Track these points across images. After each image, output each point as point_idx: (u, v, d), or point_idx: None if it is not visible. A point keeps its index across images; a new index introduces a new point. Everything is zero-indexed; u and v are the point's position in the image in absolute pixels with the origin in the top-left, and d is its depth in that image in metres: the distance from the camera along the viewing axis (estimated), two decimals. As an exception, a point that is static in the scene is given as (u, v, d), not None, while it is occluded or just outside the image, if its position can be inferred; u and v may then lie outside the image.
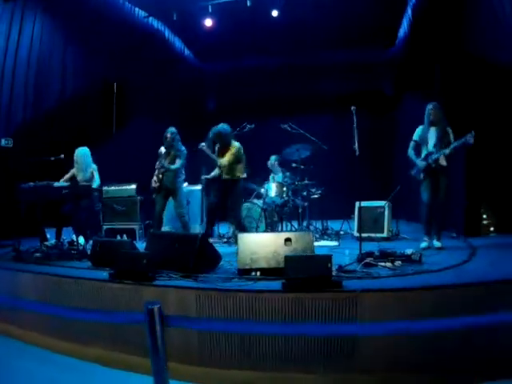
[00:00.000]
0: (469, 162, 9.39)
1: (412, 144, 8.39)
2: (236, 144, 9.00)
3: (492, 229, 9.79)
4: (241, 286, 5.35)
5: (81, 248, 8.24)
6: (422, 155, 8.19)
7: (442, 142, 7.98)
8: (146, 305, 3.34)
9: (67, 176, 9.52)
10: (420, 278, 5.58)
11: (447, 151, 7.82)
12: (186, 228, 9.44)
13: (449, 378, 4.58)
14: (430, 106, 8.15)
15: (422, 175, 8.17)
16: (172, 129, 9.27)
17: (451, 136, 7.98)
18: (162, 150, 9.24)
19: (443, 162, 7.94)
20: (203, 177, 10.50)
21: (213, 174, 9.91)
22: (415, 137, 8.37)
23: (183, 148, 9.32)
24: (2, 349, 6.13)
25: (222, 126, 8.91)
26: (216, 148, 9.12)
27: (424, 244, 8.10)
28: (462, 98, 9.83)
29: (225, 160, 8.80)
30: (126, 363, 5.34)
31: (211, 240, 8.39)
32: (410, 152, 8.40)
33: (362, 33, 14.75)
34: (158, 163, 9.22)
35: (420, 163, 8.17)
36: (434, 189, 8.08)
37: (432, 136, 8.15)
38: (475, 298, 4.82)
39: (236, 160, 8.88)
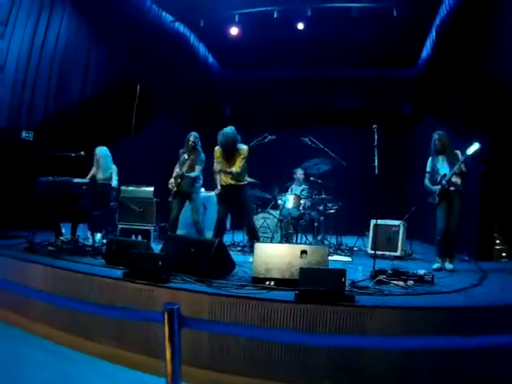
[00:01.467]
0: (483, 187, 9.40)
1: (427, 176, 8.49)
2: (245, 147, 8.81)
3: (504, 254, 9.77)
4: (254, 294, 5.39)
5: (96, 245, 8.28)
6: (438, 180, 8.24)
7: (453, 165, 8.04)
8: (165, 305, 3.35)
9: (89, 175, 9.57)
10: (431, 298, 5.60)
11: (457, 167, 7.91)
12: (200, 234, 9.41)
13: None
14: (435, 136, 8.27)
15: (437, 199, 8.23)
16: (195, 133, 9.28)
17: (460, 157, 8.04)
18: (185, 155, 9.17)
19: (458, 181, 8.05)
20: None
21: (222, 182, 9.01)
22: (428, 168, 8.48)
23: (203, 154, 9.34)
24: (4, 338, 6.17)
25: (232, 129, 8.63)
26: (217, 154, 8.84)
27: (436, 265, 8.13)
28: (478, 123, 9.84)
29: (237, 166, 8.58)
30: (130, 361, 5.37)
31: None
32: (426, 183, 8.50)
33: (384, 51, 14.76)
34: (177, 166, 9.22)
35: (435, 188, 8.25)
36: (448, 212, 8.15)
37: (442, 164, 8.25)
38: (483, 321, 4.85)
39: (245, 164, 8.75)
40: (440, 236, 8.25)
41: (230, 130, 8.61)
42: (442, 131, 8.28)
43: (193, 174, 9.14)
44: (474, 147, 7.67)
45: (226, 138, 8.54)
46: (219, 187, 8.75)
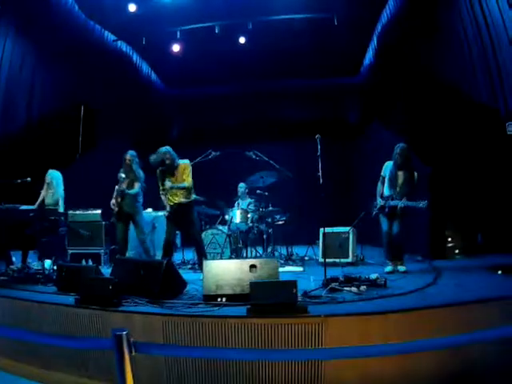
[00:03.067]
0: (431, 187, 9.58)
1: (381, 179, 8.63)
2: (186, 161, 8.75)
3: (457, 251, 9.95)
4: (206, 311, 5.39)
5: (46, 272, 8.18)
6: (386, 193, 8.45)
7: (406, 187, 8.26)
8: (114, 331, 3.35)
9: (38, 200, 9.47)
10: (385, 301, 5.69)
11: (401, 205, 8.07)
12: (148, 254, 9.40)
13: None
14: (397, 150, 8.34)
15: (374, 213, 8.56)
16: (132, 152, 9.24)
17: (415, 179, 8.29)
18: (122, 174, 9.10)
19: (398, 210, 8.19)
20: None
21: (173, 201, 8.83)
22: (383, 172, 8.60)
23: (141, 172, 9.29)
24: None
25: (166, 147, 8.58)
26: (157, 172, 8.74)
27: (388, 268, 8.29)
28: (424, 125, 10.07)
29: (188, 180, 8.50)
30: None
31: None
32: (379, 186, 8.65)
33: (327, 60, 14.92)
34: (117, 187, 9.12)
35: (379, 201, 8.49)
36: (389, 219, 8.36)
37: (398, 179, 8.39)
38: (439, 320, 4.93)
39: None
40: (386, 239, 8.43)
41: (163, 148, 8.58)
42: (404, 144, 8.40)
43: (132, 191, 9.08)
44: (423, 204, 7.81)
45: (158, 156, 8.49)
46: (168, 208, 8.67)
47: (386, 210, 8.27)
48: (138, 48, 15.53)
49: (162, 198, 8.79)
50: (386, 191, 8.40)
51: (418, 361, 4.61)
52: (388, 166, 8.55)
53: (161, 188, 8.73)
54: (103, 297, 5.71)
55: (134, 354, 3.31)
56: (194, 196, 8.91)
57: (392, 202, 8.18)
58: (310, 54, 14.53)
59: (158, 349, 4.11)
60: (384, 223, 8.45)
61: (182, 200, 8.59)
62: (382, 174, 8.59)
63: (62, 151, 12.30)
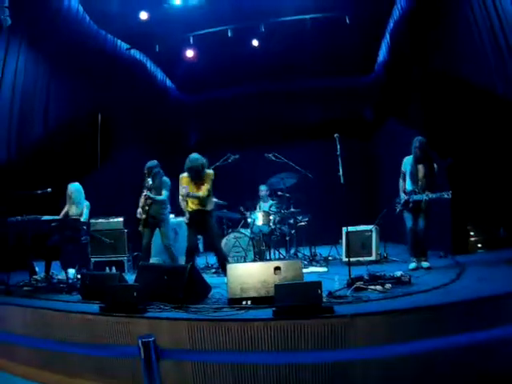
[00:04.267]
0: (451, 180, 9.46)
1: (401, 175, 8.54)
2: (211, 171, 8.79)
3: (480, 245, 9.86)
4: (232, 315, 5.37)
5: (70, 281, 8.20)
6: (408, 188, 8.33)
7: (427, 180, 8.14)
8: (140, 338, 3.33)
9: (63, 212, 9.51)
10: (410, 299, 5.62)
11: (426, 198, 7.95)
12: (173, 259, 9.38)
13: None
14: (416, 144, 8.23)
15: (399, 209, 8.42)
16: (153, 162, 9.20)
17: (435, 171, 8.18)
18: (149, 181, 9.07)
19: (422, 204, 8.10)
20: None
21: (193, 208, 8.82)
22: (403, 168, 8.51)
23: (167, 179, 9.28)
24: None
25: (198, 155, 8.59)
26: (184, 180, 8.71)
27: (412, 265, 8.19)
28: (441, 120, 9.98)
29: (204, 190, 8.51)
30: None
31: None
32: (400, 182, 8.56)
33: (341, 59, 14.86)
34: (143, 195, 9.10)
35: (402, 196, 8.40)
36: (414, 215, 8.24)
37: (419, 173, 8.29)
38: (465, 315, 4.87)
39: (211, 189, 8.69)
40: (411, 235, 8.32)
41: (196, 155, 8.57)
42: (422, 137, 8.29)
43: (159, 198, 9.07)
44: (447, 195, 7.73)
45: (193, 163, 8.45)
46: (187, 215, 8.69)
47: (411, 205, 8.17)
48: (151, 55, 15.61)
49: (182, 204, 8.77)
50: (408, 186, 8.29)
51: (445, 358, 4.54)
52: (407, 160, 8.45)
53: (181, 194, 8.72)
54: (128, 304, 5.70)
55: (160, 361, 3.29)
56: (213, 203, 8.89)
57: (416, 197, 8.07)
58: (324, 54, 14.48)
59: (184, 355, 4.09)
60: (408, 219, 8.34)
61: (200, 207, 8.61)
62: (402, 169, 8.49)
63: (81, 161, 12.35)
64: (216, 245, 8.85)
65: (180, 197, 8.74)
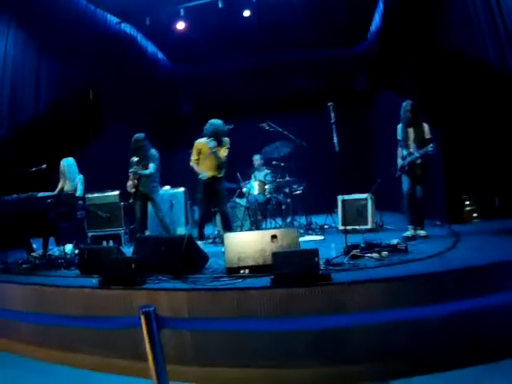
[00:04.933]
0: (445, 150, 9.50)
1: (399, 143, 8.55)
2: (227, 139, 9.03)
3: (475, 215, 9.92)
4: (230, 284, 5.40)
5: (68, 257, 8.22)
6: (403, 153, 8.34)
7: (418, 142, 8.15)
8: (141, 308, 3.36)
9: (57, 189, 9.51)
10: (407, 266, 5.67)
11: (416, 156, 8.06)
12: (168, 231, 9.42)
13: (436, 363, 4.65)
14: (406, 107, 8.26)
15: (398, 173, 8.42)
16: (139, 135, 9.24)
17: (426, 133, 8.18)
18: (134, 158, 9.15)
19: (418, 161, 8.13)
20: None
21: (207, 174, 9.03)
22: (399, 136, 8.53)
23: (155, 151, 9.33)
24: (5, 367, 6.05)
25: (221, 121, 8.98)
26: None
27: (407, 233, 8.21)
28: (434, 90, 9.98)
29: (223, 155, 8.85)
30: (120, 368, 5.35)
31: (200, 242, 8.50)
32: (398, 150, 8.58)
33: (333, 29, 14.84)
34: (130, 170, 9.14)
35: (399, 162, 8.43)
36: (412, 179, 8.25)
37: (410, 136, 8.30)
38: (460, 283, 4.90)
39: None
40: (407, 200, 8.35)
41: (217, 120, 8.94)
42: (411, 101, 8.32)
43: (147, 172, 9.11)
44: (431, 147, 7.75)
45: (217, 127, 8.84)
46: (204, 175, 8.89)
47: (406, 167, 8.20)
48: (142, 29, 15.51)
49: (195, 167, 9.00)
50: (404, 151, 8.32)
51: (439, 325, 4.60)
52: (399, 128, 8.48)
53: (195, 158, 8.99)
54: (126, 276, 5.72)
55: (162, 329, 3.32)
56: (224, 170, 9.08)
57: (408, 158, 8.13)
58: (316, 24, 14.46)
59: (184, 323, 4.13)
60: (405, 183, 8.34)
61: (215, 174, 8.91)
62: (398, 137, 8.50)
63: (74, 137, 12.31)
64: (224, 212, 9.05)
65: (194, 161, 9.01)
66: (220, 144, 8.83)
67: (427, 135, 8.13)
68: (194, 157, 9.00)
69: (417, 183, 8.24)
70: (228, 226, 8.98)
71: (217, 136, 8.80)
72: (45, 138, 11.44)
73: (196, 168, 8.97)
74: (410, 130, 8.26)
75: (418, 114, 8.25)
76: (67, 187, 9.47)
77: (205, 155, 8.92)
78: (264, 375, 4.85)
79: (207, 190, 8.87)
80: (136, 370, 5.05)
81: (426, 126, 8.19)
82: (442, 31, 9.99)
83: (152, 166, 9.17)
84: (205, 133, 8.92)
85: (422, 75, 10.82)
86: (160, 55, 17.72)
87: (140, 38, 16.00)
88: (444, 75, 9.81)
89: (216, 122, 8.91)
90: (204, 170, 8.90)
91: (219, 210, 9.20)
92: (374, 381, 4.66)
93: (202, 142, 8.96)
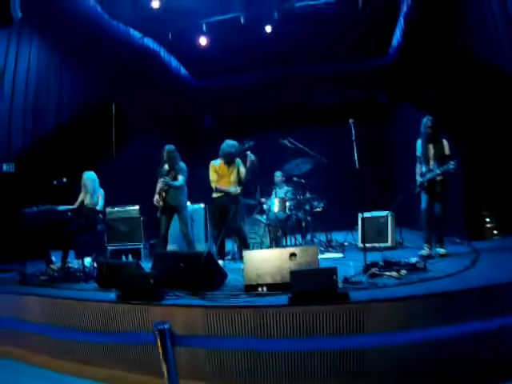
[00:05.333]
0: (466, 166, 9.40)
1: (418, 159, 8.47)
2: (239, 160, 9.13)
3: (496, 232, 9.82)
4: (248, 301, 5.39)
5: (87, 270, 8.24)
6: (423, 170, 8.28)
7: (438, 158, 8.08)
8: (156, 325, 3.35)
9: (78, 201, 9.54)
10: (425, 285, 5.60)
11: (437, 172, 7.98)
12: (191, 246, 9.36)
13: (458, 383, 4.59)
14: (427, 123, 8.19)
15: (417, 190, 8.33)
16: (170, 146, 9.20)
17: (446, 149, 8.10)
18: (166, 167, 9.06)
19: (438, 178, 8.05)
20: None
21: (233, 189, 9.15)
22: (418, 152, 8.44)
23: (184, 165, 9.27)
24: (11, 373, 6.07)
25: (235, 142, 9.10)
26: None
27: (423, 251, 8.13)
28: (455, 103, 9.91)
29: (247, 175, 9.03)
30: (135, 382, 5.35)
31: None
32: (417, 167, 8.50)
33: (355, 43, 14.83)
34: (159, 181, 9.05)
35: (418, 179, 8.35)
36: (430, 196, 8.18)
37: (429, 152, 8.23)
38: (480, 302, 4.83)
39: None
40: (425, 217, 8.27)
41: (232, 141, 9.08)
42: (431, 117, 8.25)
43: (177, 183, 9.04)
44: (452, 164, 7.69)
45: (230, 149, 8.97)
46: (232, 189, 9.01)
47: (425, 184, 8.14)
48: (165, 44, 15.62)
49: (219, 187, 9.11)
50: (423, 168, 8.26)
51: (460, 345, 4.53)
52: (419, 143, 8.42)
53: (214, 180, 9.09)
54: (145, 291, 5.72)
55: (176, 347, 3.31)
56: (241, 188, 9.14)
57: (428, 175, 8.07)
58: (337, 39, 14.45)
59: (198, 341, 4.11)
60: (424, 200, 8.28)
61: (235, 192, 9.02)
62: (417, 153, 8.44)
63: (96, 150, 12.38)
64: (240, 229, 9.12)
65: (213, 183, 9.12)
66: (232, 164, 9.04)
67: (447, 151, 8.06)
68: (213, 177, 9.08)
69: (436, 200, 8.15)
70: (245, 244, 9.04)
71: (230, 157, 8.94)
72: (67, 150, 11.51)
73: (220, 187, 9.03)
74: (430, 146, 8.19)
75: (439, 130, 8.18)
76: (87, 200, 9.49)
77: (221, 175, 9.03)
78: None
79: (224, 204, 8.95)
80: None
81: (445, 142, 8.12)
82: (461, 45, 9.94)
83: (182, 178, 9.11)
84: (220, 153, 9.05)
85: (443, 88, 10.76)
86: (183, 70, 17.81)
87: (163, 52, 16.10)
88: (465, 89, 9.74)
89: (231, 143, 9.06)
90: (225, 186, 8.99)
91: (234, 227, 9.12)
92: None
93: (215, 165, 9.15)
